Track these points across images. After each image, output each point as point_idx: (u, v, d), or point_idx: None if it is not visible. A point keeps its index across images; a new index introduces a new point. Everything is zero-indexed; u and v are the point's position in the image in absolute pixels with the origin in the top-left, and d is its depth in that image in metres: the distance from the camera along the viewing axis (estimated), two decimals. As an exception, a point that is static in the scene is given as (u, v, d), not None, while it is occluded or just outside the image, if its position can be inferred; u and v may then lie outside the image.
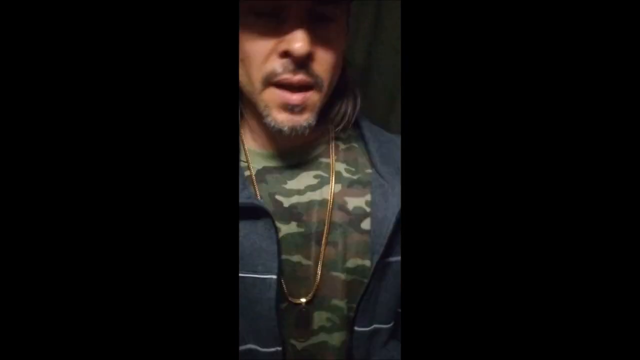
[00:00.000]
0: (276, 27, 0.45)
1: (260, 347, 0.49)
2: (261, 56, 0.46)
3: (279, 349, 0.49)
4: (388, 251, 0.52)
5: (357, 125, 0.58)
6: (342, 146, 0.57)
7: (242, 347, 0.48)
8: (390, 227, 0.51)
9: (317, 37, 0.46)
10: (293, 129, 0.49)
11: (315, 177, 0.54)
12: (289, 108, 0.48)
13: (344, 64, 0.53)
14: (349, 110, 0.56)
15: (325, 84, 0.49)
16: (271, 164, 0.55)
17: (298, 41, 0.44)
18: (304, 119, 0.49)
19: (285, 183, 0.54)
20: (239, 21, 0.46)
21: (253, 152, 0.55)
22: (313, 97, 0.49)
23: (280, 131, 0.50)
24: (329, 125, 0.57)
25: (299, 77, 0.47)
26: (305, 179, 0.54)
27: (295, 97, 0.48)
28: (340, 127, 0.56)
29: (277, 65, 0.46)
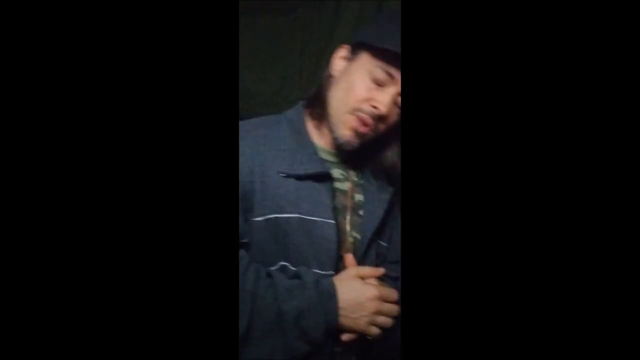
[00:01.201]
0: (379, 88, 0.76)
1: (321, 270, 0.74)
2: (365, 95, 0.75)
3: (333, 272, 0.75)
4: (377, 230, 0.81)
5: None
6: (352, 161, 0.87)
7: (305, 270, 0.73)
8: (382, 214, 0.81)
9: (394, 110, 0.77)
10: (347, 145, 0.78)
11: (342, 174, 0.83)
12: (357, 132, 0.77)
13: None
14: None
15: (379, 132, 0.79)
16: (324, 157, 0.82)
17: (385, 107, 0.74)
18: (356, 144, 0.78)
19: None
20: (359, 67, 0.77)
21: (318, 147, 0.83)
22: (367, 136, 0.78)
23: (338, 141, 0.79)
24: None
25: (371, 122, 0.76)
26: (337, 173, 0.82)
27: (364, 127, 0.76)
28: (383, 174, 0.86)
29: (365, 106, 0.75)
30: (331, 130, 0.79)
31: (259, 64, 1.22)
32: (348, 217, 0.79)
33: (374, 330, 0.69)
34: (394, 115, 0.78)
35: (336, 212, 0.78)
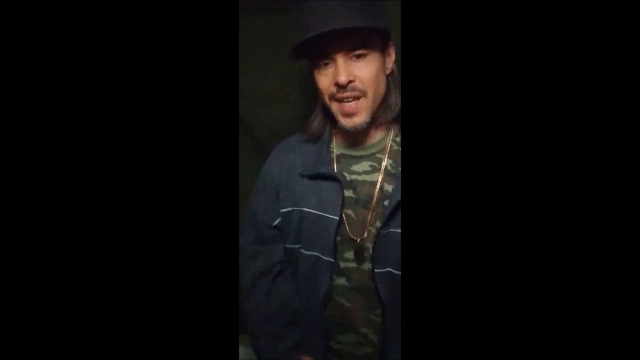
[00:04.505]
0: (332, 70, 0.83)
1: (323, 255, 0.91)
2: (328, 86, 0.85)
3: (332, 260, 0.90)
4: (392, 223, 0.86)
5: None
6: (394, 147, 0.92)
7: (309, 252, 0.92)
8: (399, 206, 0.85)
9: (355, 68, 0.83)
10: (353, 128, 0.86)
11: (370, 166, 0.91)
12: (347, 114, 0.85)
13: (388, 75, 0.90)
14: (392, 106, 0.90)
15: (370, 93, 0.85)
16: (346, 152, 0.94)
17: (341, 76, 0.81)
18: (360, 120, 0.85)
19: (351, 166, 0.93)
20: (316, 69, 0.87)
21: (337, 143, 0.96)
22: (362, 103, 0.85)
23: (346, 130, 0.88)
24: (386, 121, 0.92)
25: (347, 94, 0.84)
26: (364, 166, 0.92)
27: (348, 106, 0.84)
28: (390, 117, 0.90)
29: (334, 89, 0.84)
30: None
31: (259, 64, 1.21)
32: (372, 208, 0.89)
33: None
34: (368, 79, 0.83)
35: (353, 205, 0.90)
